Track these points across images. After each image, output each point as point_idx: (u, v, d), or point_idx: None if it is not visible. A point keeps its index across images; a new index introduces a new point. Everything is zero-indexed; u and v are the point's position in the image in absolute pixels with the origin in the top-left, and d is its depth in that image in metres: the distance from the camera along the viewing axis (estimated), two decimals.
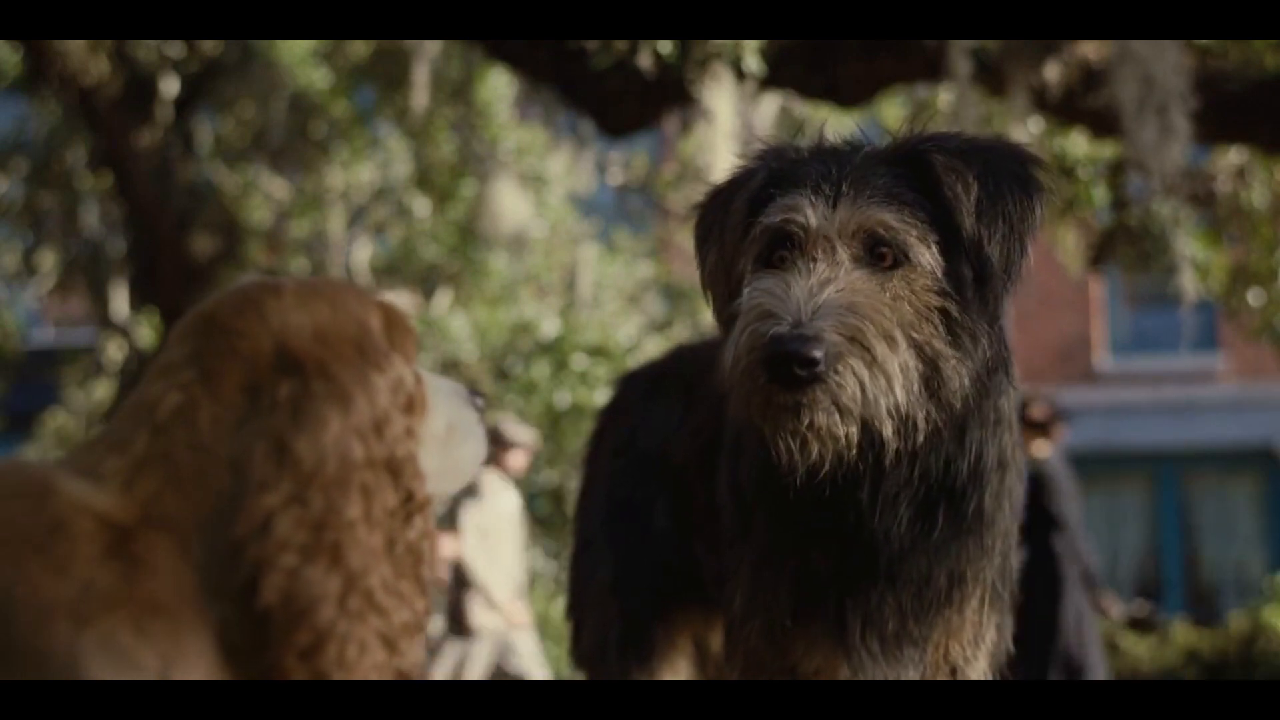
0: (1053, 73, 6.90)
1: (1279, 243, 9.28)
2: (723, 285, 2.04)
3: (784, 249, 1.93)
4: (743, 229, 2.00)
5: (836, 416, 1.83)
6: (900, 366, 1.84)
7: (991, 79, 6.95)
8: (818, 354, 1.79)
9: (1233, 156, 8.97)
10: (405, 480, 1.52)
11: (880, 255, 1.91)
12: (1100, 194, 9.29)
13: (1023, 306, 17.87)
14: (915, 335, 1.87)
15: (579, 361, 11.88)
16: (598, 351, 11.95)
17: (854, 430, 1.85)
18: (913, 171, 1.96)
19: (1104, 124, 7.03)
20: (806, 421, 1.83)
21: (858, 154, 2.00)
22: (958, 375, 1.89)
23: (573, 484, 11.20)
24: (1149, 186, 8.30)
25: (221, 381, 1.49)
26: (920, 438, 1.90)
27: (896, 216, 1.91)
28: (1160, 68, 6.25)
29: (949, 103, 8.96)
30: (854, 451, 1.88)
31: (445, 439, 1.64)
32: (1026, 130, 8.50)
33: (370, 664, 1.45)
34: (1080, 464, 17.57)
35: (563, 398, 11.75)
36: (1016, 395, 2.07)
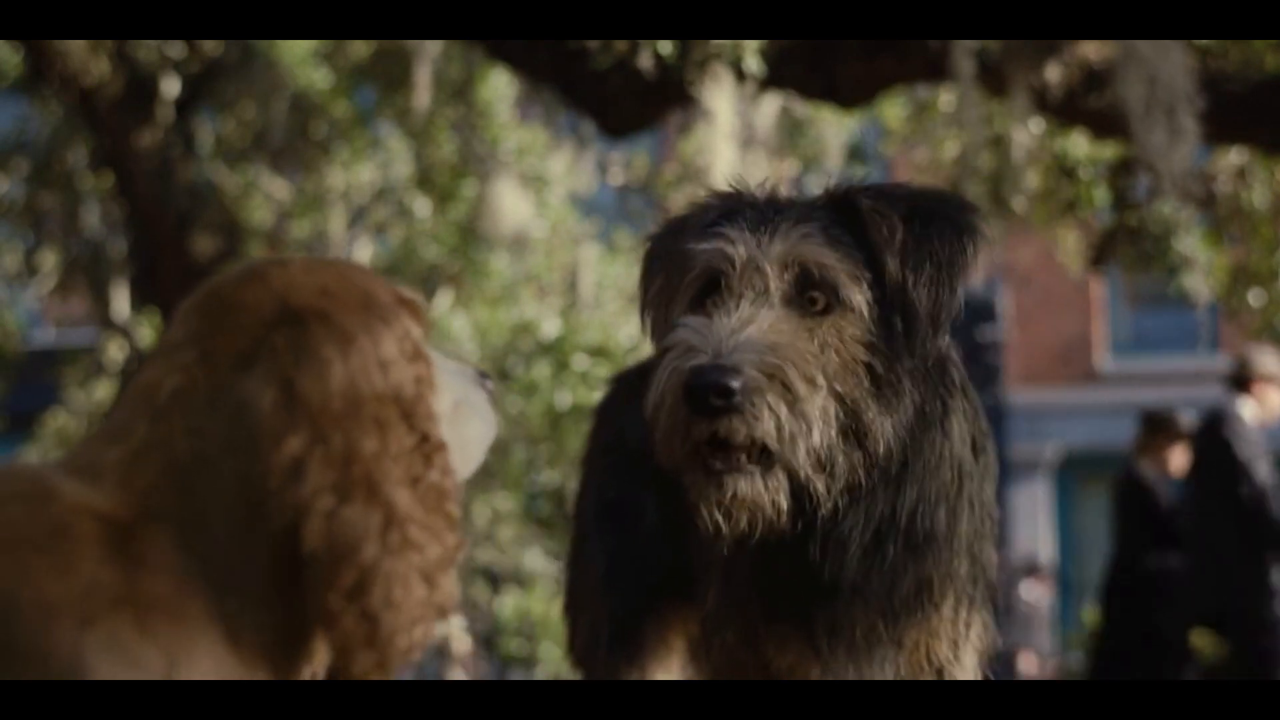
0: (1054, 73, 6.90)
1: (1279, 243, 9.28)
2: (662, 318, 2.05)
3: (714, 290, 1.94)
4: (684, 265, 2.01)
5: (759, 479, 1.84)
6: (820, 410, 1.85)
7: (992, 79, 6.95)
8: (734, 384, 1.80)
9: (1233, 157, 8.97)
10: (418, 422, 1.50)
11: (812, 299, 1.92)
12: (1101, 195, 9.29)
13: (1023, 306, 17.89)
14: (837, 386, 1.88)
15: (580, 362, 11.89)
16: (599, 352, 11.95)
17: (781, 496, 1.86)
18: (846, 218, 1.97)
19: (1105, 124, 7.03)
20: (730, 493, 1.84)
21: (799, 201, 2.03)
22: (879, 424, 1.90)
23: (573, 484, 11.18)
24: (1153, 187, 8.30)
25: (221, 357, 1.48)
26: (842, 483, 1.90)
27: (830, 255, 1.92)
28: (1165, 68, 6.24)
29: (950, 103, 8.97)
30: (784, 518, 1.88)
31: (452, 417, 1.63)
32: (1028, 130, 8.51)
33: (415, 601, 1.45)
34: (1080, 464, 17.60)
35: (564, 398, 11.76)
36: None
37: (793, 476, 1.86)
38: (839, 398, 1.87)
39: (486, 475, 12.34)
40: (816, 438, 1.85)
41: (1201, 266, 9.29)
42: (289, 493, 1.41)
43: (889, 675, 2.08)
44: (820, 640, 2.04)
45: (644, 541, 2.57)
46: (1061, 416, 16.80)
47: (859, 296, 1.91)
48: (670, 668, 2.56)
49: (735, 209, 2.02)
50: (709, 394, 1.80)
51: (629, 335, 12.64)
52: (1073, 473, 17.63)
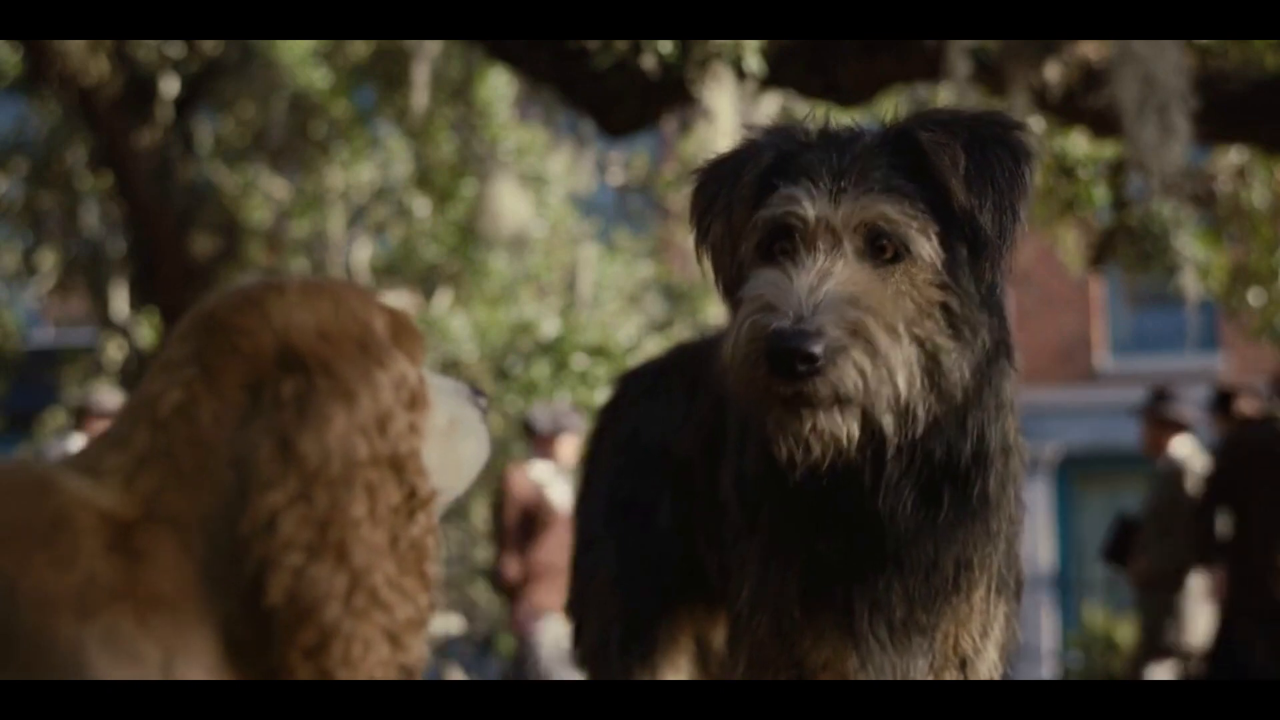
0: (1053, 72, 6.90)
1: (1279, 243, 9.29)
2: (727, 262, 2.06)
3: (785, 240, 1.95)
4: (749, 210, 2.01)
5: (837, 415, 1.86)
6: (903, 359, 1.87)
7: (992, 79, 6.95)
8: (817, 350, 1.81)
9: (1233, 156, 8.97)
10: (408, 476, 1.52)
11: (881, 248, 1.93)
12: (1100, 194, 9.29)
13: (1023, 306, 17.89)
14: (916, 330, 1.90)
15: (579, 361, 11.89)
16: (598, 351, 11.95)
17: (854, 426, 1.87)
18: (908, 156, 1.98)
19: (1104, 124, 7.03)
20: (809, 425, 1.86)
21: (858, 143, 2.02)
22: (958, 368, 1.93)
23: (573, 484, 11.19)
24: (1149, 186, 8.31)
25: (223, 379, 1.49)
26: (920, 429, 1.93)
27: (897, 209, 1.93)
28: (1161, 68, 6.24)
29: (949, 102, 8.96)
30: (854, 449, 1.90)
31: (447, 435, 1.64)
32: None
33: (375, 661, 1.45)
34: (1079, 464, 17.59)
35: (563, 398, 11.75)
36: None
37: (870, 418, 1.89)
38: (919, 341, 1.90)
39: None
40: (900, 384, 1.88)
41: (1192, 264, 9.30)
42: (258, 543, 1.42)
43: (922, 667, 2.08)
44: (860, 628, 2.05)
45: (657, 542, 2.56)
46: (1061, 416, 16.79)
47: (927, 247, 1.93)
48: (680, 667, 2.55)
49: (792, 151, 2.03)
50: (793, 359, 1.82)
51: (628, 335, 12.64)
52: (1072, 473, 17.64)
